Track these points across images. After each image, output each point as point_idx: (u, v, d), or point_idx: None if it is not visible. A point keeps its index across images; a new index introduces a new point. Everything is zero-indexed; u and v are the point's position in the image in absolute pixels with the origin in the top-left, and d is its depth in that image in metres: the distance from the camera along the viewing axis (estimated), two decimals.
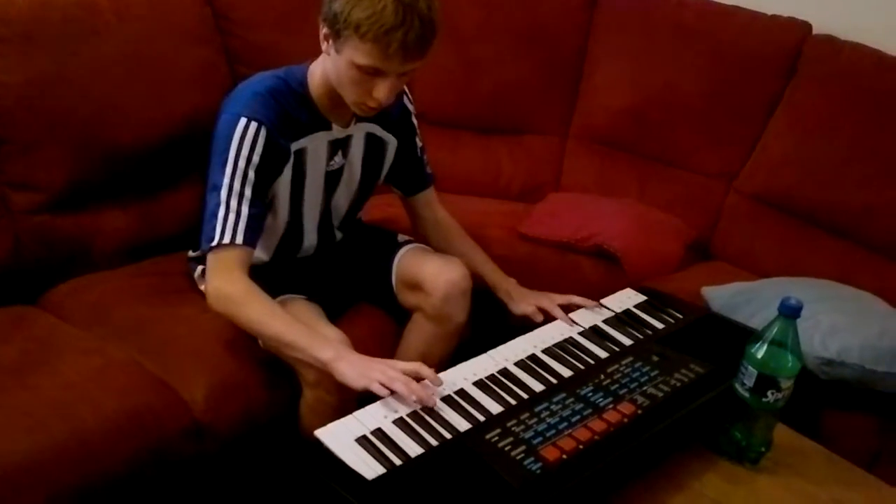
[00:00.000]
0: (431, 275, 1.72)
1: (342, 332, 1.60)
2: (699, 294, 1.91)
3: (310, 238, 1.79)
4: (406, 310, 1.81)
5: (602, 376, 1.44)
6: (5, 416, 1.40)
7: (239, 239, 1.54)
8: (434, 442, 1.27)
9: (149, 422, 1.49)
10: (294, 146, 1.61)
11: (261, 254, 1.74)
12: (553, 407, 1.35)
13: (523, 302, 1.78)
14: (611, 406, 1.36)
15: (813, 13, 2.23)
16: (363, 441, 1.26)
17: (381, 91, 1.49)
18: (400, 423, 1.31)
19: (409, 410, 1.33)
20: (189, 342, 1.65)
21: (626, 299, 1.74)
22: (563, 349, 1.55)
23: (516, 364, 1.48)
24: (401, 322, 1.83)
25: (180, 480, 1.56)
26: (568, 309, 1.70)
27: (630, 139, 2.42)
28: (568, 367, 1.49)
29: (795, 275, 2.00)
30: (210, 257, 1.57)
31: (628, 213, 2.23)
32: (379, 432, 1.28)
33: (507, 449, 1.24)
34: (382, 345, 1.80)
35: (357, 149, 1.73)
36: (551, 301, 1.73)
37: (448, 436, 1.29)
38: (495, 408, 1.36)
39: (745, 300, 1.83)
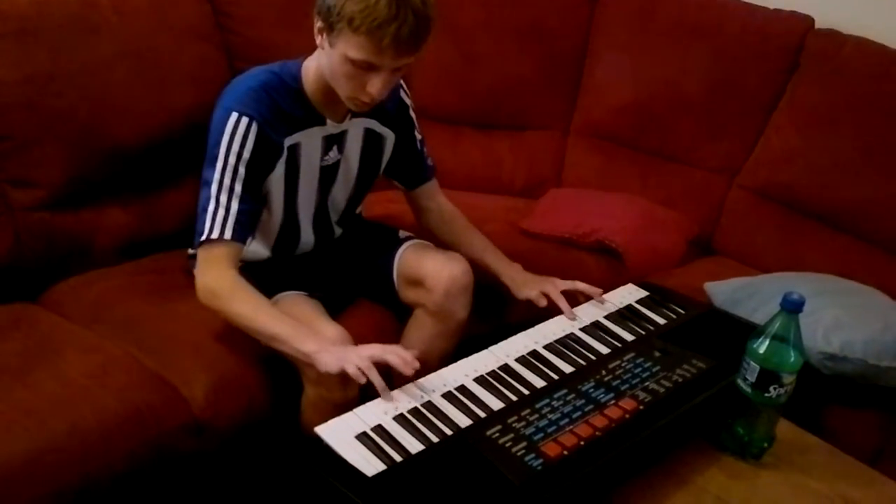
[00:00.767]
0: (433, 271, 1.71)
1: (343, 328, 1.60)
2: (701, 289, 1.90)
3: (307, 233, 1.78)
4: (407, 306, 1.81)
5: (603, 372, 1.44)
6: (5, 413, 1.40)
7: (227, 234, 1.54)
8: (435, 438, 1.27)
9: (149, 419, 1.49)
10: (287, 141, 1.61)
11: (261, 250, 1.74)
12: (554, 403, 1.35)
13: (527, 287, 1.78)
14: (612, 402, 1.36)
15: (815, 7, 2.22)
16: (363, 437, 1.26)
17: (375, 86, 1.48)
18: (400, 419, 1.31)
19: (409, 407, 1.33)
20: (189, 339, 1.65)
21: (627, 295, 1.73)
22: (564, 345, 1.54)
23: (517, 360, 1.48)
24: (402, 319, 1.82)
25: (180, 477, 1.56)
26: (572, 295, 1.69)
27: (632, 134, 2.41)
28: (569, 363, 1.49)
29: (798, 270, 2.00)
30: (199, 252, 1.57)
31: (630, 208, 2.22)
32: (379, 429, 1.28)
33: (507, 445, 1.24)
34: (383, 341, 1.76)
35: (354, 144, 1.72)
36: (555, 287, 1.72)
37: (449, 432, 1.29)
38: (496, 404, 1.36)
39: (747, 295, 1.82)
